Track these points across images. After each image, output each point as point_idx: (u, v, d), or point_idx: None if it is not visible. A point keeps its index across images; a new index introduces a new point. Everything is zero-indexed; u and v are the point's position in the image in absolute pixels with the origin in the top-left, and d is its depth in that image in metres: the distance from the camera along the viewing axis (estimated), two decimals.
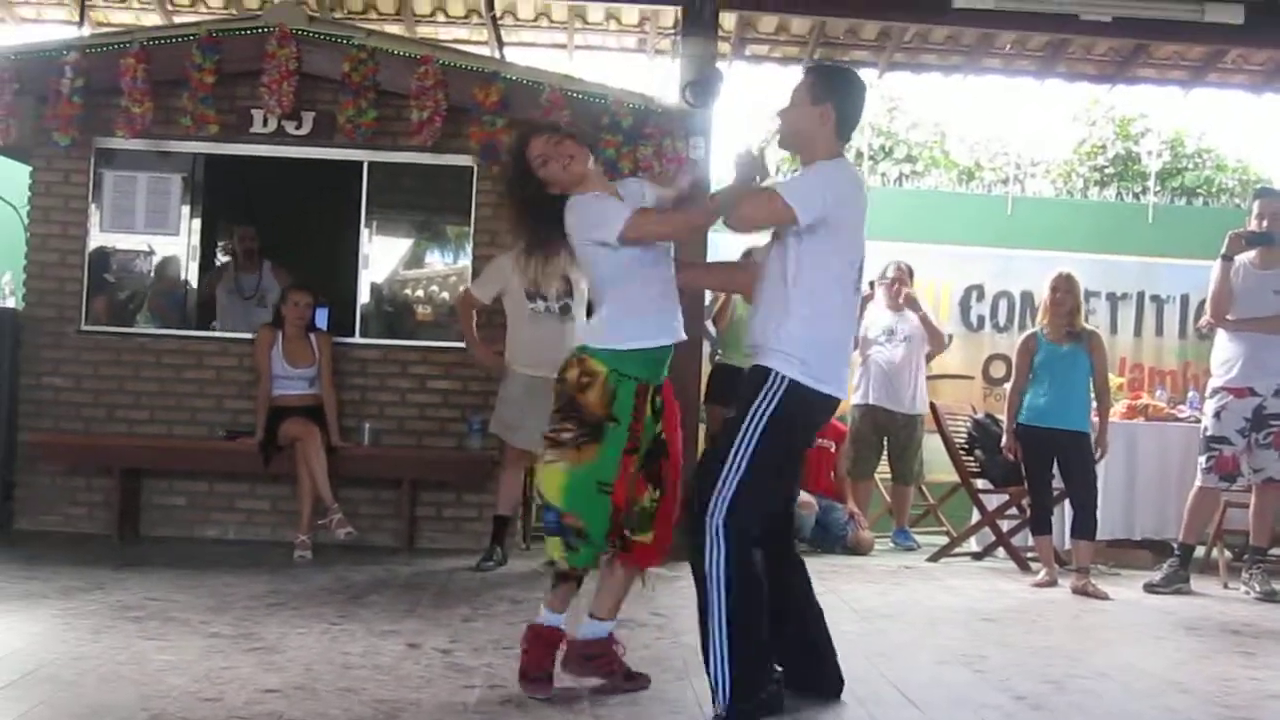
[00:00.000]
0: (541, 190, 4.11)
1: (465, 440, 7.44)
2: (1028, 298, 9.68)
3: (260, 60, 7.25)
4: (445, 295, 7.88)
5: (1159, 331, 10.14)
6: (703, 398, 8.20)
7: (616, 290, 4.03)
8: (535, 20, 9.44)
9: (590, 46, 9.80)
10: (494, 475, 7.15)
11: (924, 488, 9.20)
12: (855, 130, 4.20)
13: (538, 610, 4.12)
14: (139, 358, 7.58)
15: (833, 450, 8.65)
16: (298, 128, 7.55)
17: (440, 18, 9.41)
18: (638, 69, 10.28)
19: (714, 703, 3.81)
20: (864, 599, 6.23)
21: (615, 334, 4.00)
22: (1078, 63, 9.53)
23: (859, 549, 8.19)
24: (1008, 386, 7.78)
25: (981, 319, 9.94)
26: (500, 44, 9.16)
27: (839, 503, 8.47)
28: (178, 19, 9.04)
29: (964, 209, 10.52)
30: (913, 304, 8.60)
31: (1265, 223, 7.01)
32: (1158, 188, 12.36)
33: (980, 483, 8.04)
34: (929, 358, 8.83)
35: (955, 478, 8.33)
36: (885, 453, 8.72)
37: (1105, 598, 6.64)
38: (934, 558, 8.00)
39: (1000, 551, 7.95)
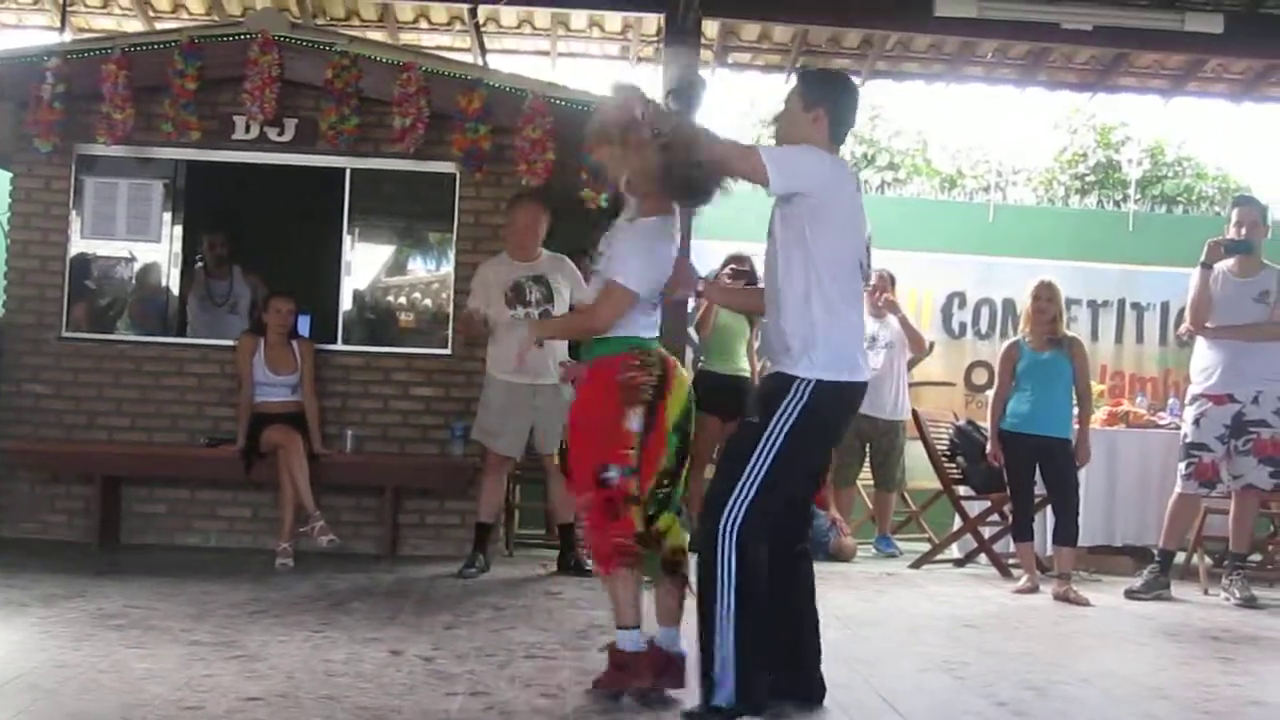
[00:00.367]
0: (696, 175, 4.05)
1: (447, 447, 7.44)
2: (1009, 305, 9.72)
3: (242, 66, 7.24)
4: (428, 302, 7.88)
5: (1139, 339, 10.20)
6: None
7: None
8: (518, 27, 9.45)
9: (573, 54, 9.82)
10: (476, 482, 7.15)
11: (906, 494, 9.22)
12: (848, 133, 4.18)
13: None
14: (119, 365, 7.56)
15: None
16: (280, 134, 7.55)
17: (423, 24, 9.41)
18: (621, 76, 10.27)
19: (707, 695, 3.78)
20: (846, 606, 6.24)
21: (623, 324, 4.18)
22: (1059, 71, 9.59)
23: (841, 556, 8.20)
24: (989, 393, 7.80)
25: (963, 326, 9.98)
26: (483, 51, 9.17)
27: (821, 509, 8.46)
28: (159, 25, 9.03)
29: (946, 216, 10.55)
30: (894, 309, 8.63)
31: (1244, 231, 7.05)
32: (1138, 196, 12.41)
33: (962, 489, 8.05)
34: (911, 363, 8.86)
35: (937, 484, 8.35)
36: (867, 459, 8.74)
37: (1086, 604, 6.67)
38: (916, 564, 8.01)
39: (982, 558, 7.97)
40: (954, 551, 8.32)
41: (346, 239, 7.70)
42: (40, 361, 7.53)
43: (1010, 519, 7.49)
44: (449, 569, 6.82)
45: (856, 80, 9.61)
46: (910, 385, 8.80)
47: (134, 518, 7.48)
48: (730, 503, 3.83)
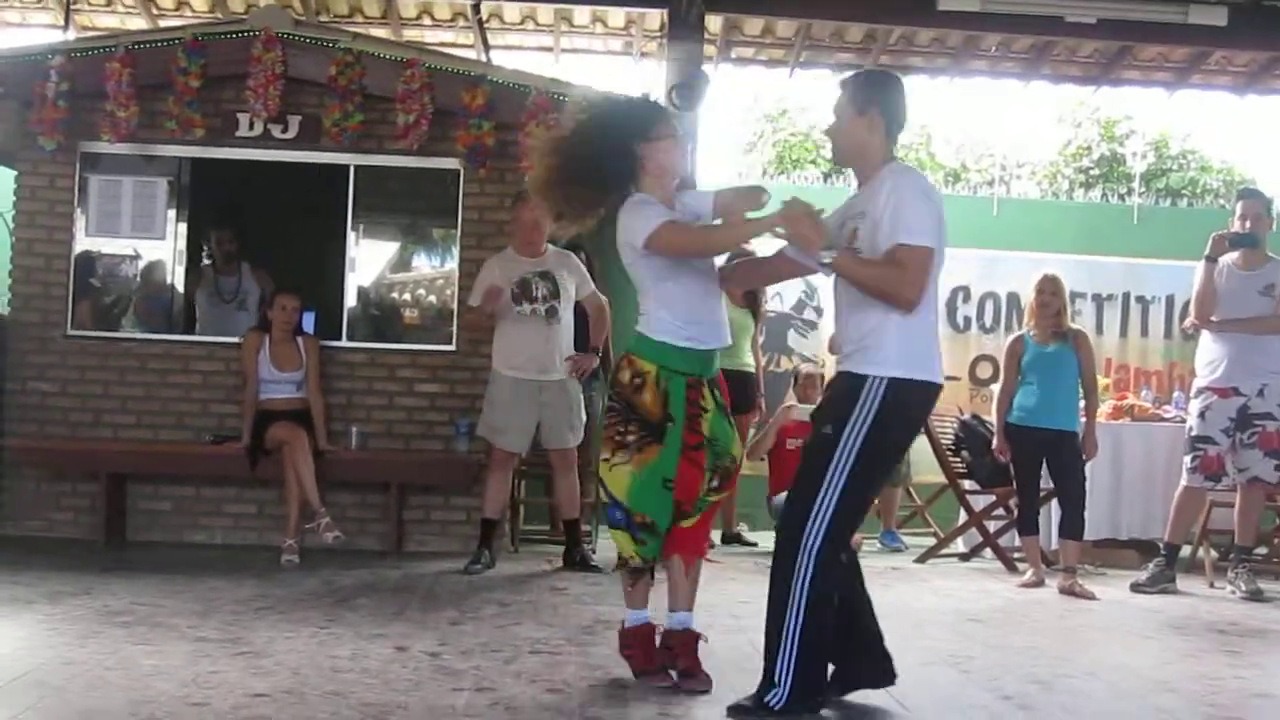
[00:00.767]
0: (630, 165, 4.16)
1: (452, 443, 7.44)
2: (1014, 299, 9.71)
3: (246, 64, 7.25)
4: (432, 299, 7.88)
5: (1144, 332, 10.19)
6: None
7: (658, 288, 4.14)
8: (521, 23, 9.45)
9: (576, 50, 9.82)
10: (481, 478, 7.15)
11: (911, 489, 9.22)
12: (904, 130, 4.15)
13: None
14: (125, 362, 7.57)
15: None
16: (284, 131, 7.55)
17: (426, 21, 9.42)
18: (624, 72, 10.30)
19: (764, 692, 3.82)
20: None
21: (659, 329, 4.13)
22: (1063, 65, 9.58)
23: None
24: (994, 388, 7.80)
25: (968, 320, 9.97)
26: (486, 47, 9.18)
27: None
28: (163, 23, 9.05)
29: (950, 210, 10.45)
30: None
31: (1248, 224, 7.04)
32: (1142, 189, 12.41)
33: (967, 483, 8.05)
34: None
35: (942, 479, 8.35)
36: None
37: (1092, 598, 6.66)
38: (921, 559, 8.01)
39: (987, 552, 7.97)
40: (959, 546, 8.32)
41: (351, 235, 7.71)
42: (46, 359, 7.54)
43: (1015, 513, 7.49)
44: (454, 565, 6.83)
45: None
46: None
47: (140, 515, 7.50)
48: (810, 520, 3.82)
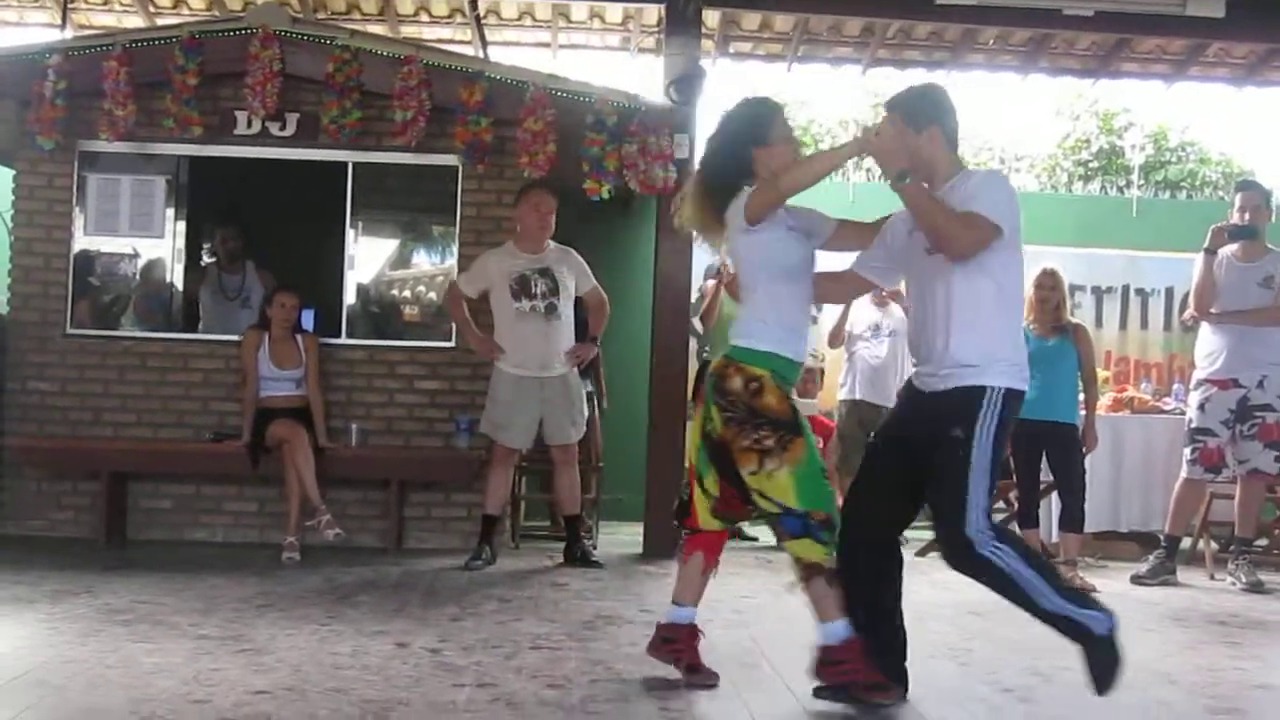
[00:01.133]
0: (742, 168, 4.16)
1: (453, 440, 7.45)
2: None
3: (243, 61, 7.25)
4: (432, 295, 7.89)
5: (1144, 325, 10.19)
6: (690, 396, 8.20)
7: (770, 289, 4.10)
8: (519, 19, 9.43)
9: (574, 45, 9.80)
10: (482, 475, 7.15)
11: None
12: (959, 132, 4.15)
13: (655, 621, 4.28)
14: (124, 361, 7.57)
15: (820, 446, 8.64)
16: (282, 129, 7.55)
17: (424, 17, 9.40)
18: (622, 67, 10.29)
19: (1091, 634, 3.84)
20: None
21: (765, 337, 4.07)
22: (1061, 57, 9.56)
23: None
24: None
25: None
26: (484, 43, 9.16)
27: None
28: (160, 21, 9.02)
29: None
30: (898, 299, 8.62)
31: (1247, 216, 7.05)
32: (1141, 181, 12.40)
33: None
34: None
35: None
36: None
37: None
38: (921, 552, 8.00)
39: None
40: None
41: (349, 233, 7.71)
42: (45, 358, 7.54)
43: (1016, 506, 7.49)
44: (455, 561, 6.84)
45: (857, 69, 9.63)
46: None
47: (140, 513, 7.50)
48: (968, 520, 3.85)
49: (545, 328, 6.88)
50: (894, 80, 12.33)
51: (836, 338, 8.79)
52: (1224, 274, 7.04)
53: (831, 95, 14.67)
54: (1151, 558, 7.11)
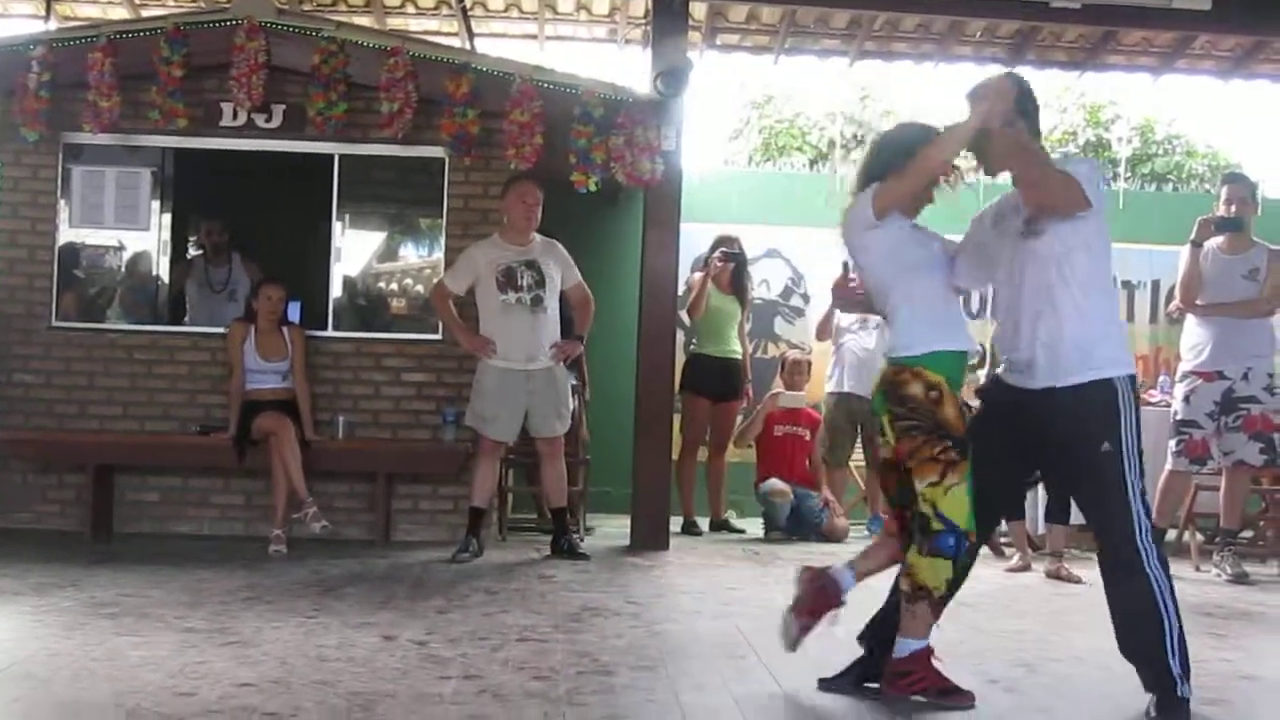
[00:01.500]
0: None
1: (440, 433, 7.44)
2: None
3: (229, 53, 7.22)
4: (419, 288, 7.88)
5: (1130, 317, 10.19)
6: (677, 388, 8.23)
7: (905, 293, 4.00)
8: (505, 11, 9.42)
9: (561, 37, 9.79)
10: (469, 467, 7.15)
11: None
12: (1040, 121, 4.16)
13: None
14: (110, 353, 7.55)
15: (808, 438, 8.68)
16: (267, 121, 7.52)
17: (410, 9, 9.38)
18: (609, 59, 10.26)
19: (1170, 691, 3.80)
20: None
21: (929, 338, 3.96)
22: (1048, 50, 9.56)
23: (834, 536, 8.23)
24: (982, 373, 7.79)
25: None
26: (470, 35, 9.14)
27: (814, 491, 8.50)
28: (145, 12, 8.99)
29: (937, 197, 10.54)
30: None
31: (1233, 208, 7.07)
32: (1128, 174, 12.42)
33: None
34: None
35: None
36: (859, 440, 8.76)
37: (1079, 581, 6.69)
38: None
39: None
40: None
41: (336, 225, 7.69)
42: (30, 351, 7.51)
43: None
44: (442, 554, 6.84)
45: (844, 61, 9.63)
46: None
47: (127, 506, 7.48)
48: (1137, 532, 3.84)
49: (531, 320, 6.88)
50: (882, 72, 12.40)
51: (824, 330, 8.80)
52: (1209, 266, 7.05)
53: (819, 87, 14.65)
54: None
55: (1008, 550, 7.47)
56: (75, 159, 7.60)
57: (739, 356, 8.68)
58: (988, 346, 6.16)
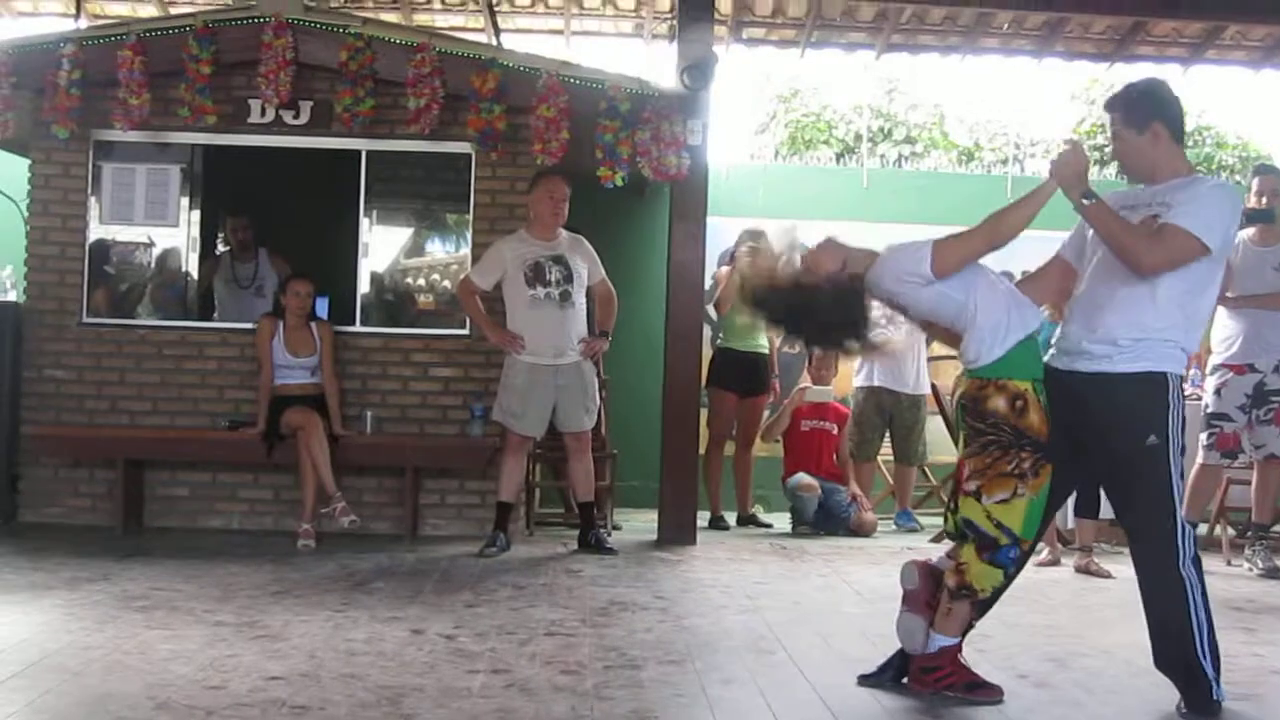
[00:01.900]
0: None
1: (467, 427, 7.46)
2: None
3: (257, 50, 7.24)
4: (446, 283, 7.89)
5: None
6: (705, 382, 8.22)
7: (974, 304, 3.92)
8: (531, 6, 9.42)
9: (587, 32, 9.79)
10: (496, 462, 7.16)
11: (927, 469, 9.21)
12: (1186, 127, 4.10)
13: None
14: (140, 349, 7.59)
15: (835, 433, 8.66)
16: (295, 117, 7.56)
17: (436, 5, 9.39)
18: (635, 54, 10.27)
19: (1204, 694, 3.81)
20: (866, 580, 6.25)
21: (1001, 338, 3.88)
22: (1075, 41, 9.51)
23: (862, 531, 8.21)
24: None
25: None
26: (497, 30, 9.15)
27: (842, 485, 8.48)
28: (173, 10, 9.03)
29: (964, 190, 10.48)
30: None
31: (1264, 199, 7.02)
32: None
33: None
34: (930, 338, 8.83)
35: (958, 459, 8.31)
36: (888, 434, 8.73)
37: (1108, 576, 6.66)
38: (937, 539, 7.99)
39: None
40: None
41: (363, 221, 7.72)
42: (61, 347, 7.57)
43: None
44: (469, 548, 6.86)
45: (871, 54, 9.60)
46: (930, 359, 8.78)
47: (157, 501, 7.53)
48: (1178, 532, 3.83)
49: (559, 315, 6.88)
50: (909, 65, 12.33)
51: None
52: (1240, 258, 6.99)
53: (845, 81, 14.60)
54: None
55: (1038, 545, 7.43)
56: (105, 156, 7.65)
57: (766, 351, 8.66)
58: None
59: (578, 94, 7.27)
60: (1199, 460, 7.04)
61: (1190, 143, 14.22)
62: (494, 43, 8.85)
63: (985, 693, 3.94)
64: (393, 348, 7.65)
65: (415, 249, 8.12)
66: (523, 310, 6.89)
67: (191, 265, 7.83)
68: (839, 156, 12.98)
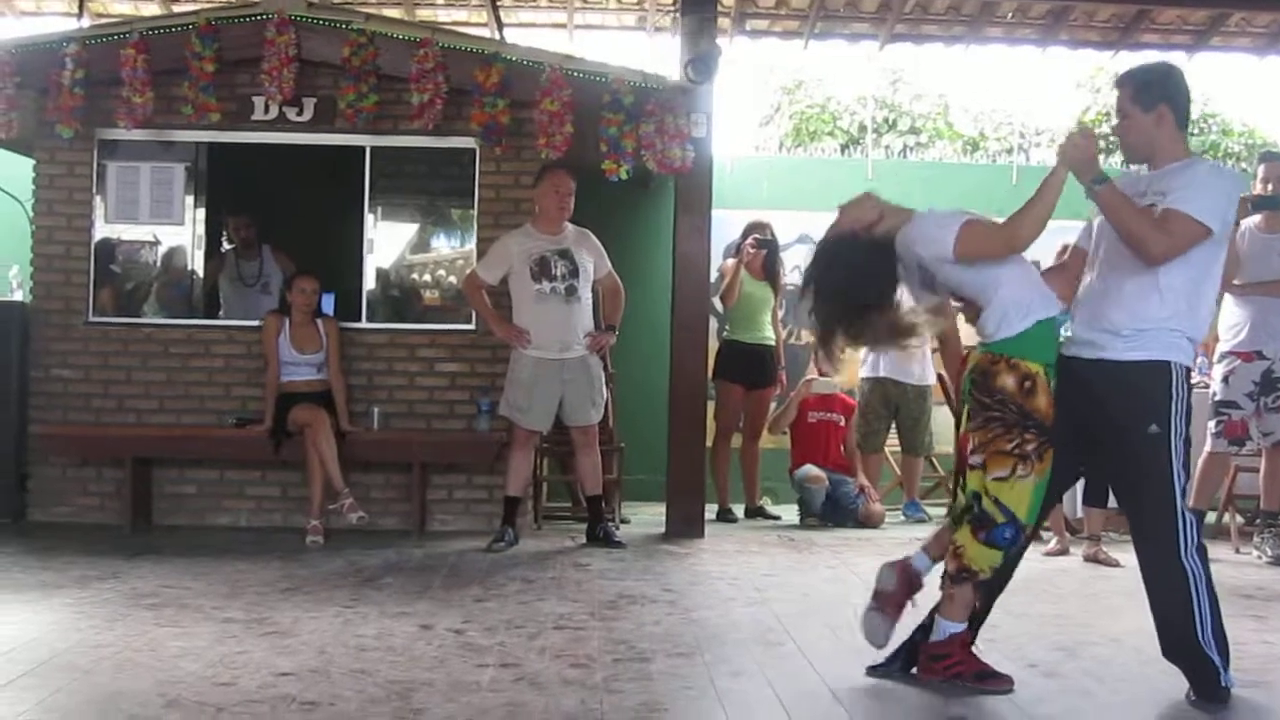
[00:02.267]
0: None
1: (474, 422, 7.46)
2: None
3: (260, 47, 7.24)
4: (452, 279, 7.89)
5: None
6: (711, 375, 8.22)
7: (1002, 272, 3.92)
8: (534, 0, 9.42)
9: (590, 25, 9.77)
10: (503, 457, 7.16)
11: (934, 459, 9.20)
12: (1190, 114, 4.11)
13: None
14: (147, 348, 7.60)
15: (842, 424, 8.65)
16: (299, 114, 7.56)
17: (439, 0, 9.39)
18: (638, 47, 10.25)
19: (1213, 682, 3.82)
20: (875, 571, 6.23)
21: (1026, 313, 3.89)
22: (1080, 30, 9.49)
23: (870, 522, 8.21)
24: None
25: None
26: (499, 25, 9.14)
27: (849, 476, 8.48)
28: (176, 8, 9.03)
29: (969, 179, 10.46)
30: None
31: (1270, 187, 7.00)
32: None
33: None
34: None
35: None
36: (895, 425, 8.73)
37: (1116, 565, 6.65)
38: None
39: None
40: None
41: (368, 217, 7.72)
42: (68, 346, 7.58)
43: None
44: (477, 543, 6.86)
45: (874, 45, 9.59)
46: (934, 349, 8.77)
47: (165, 499, 7.55)
48: (1180, 522, 3.81)
49: (565, 309, 6.88)
50: (913, 55, 12.31)
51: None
52: (1247, 245, 6.98)
53: (849, 72, 14.58)
54: None
55: (1045, 534, 7.42)
56: (110, 155, 7.66)
57: (772, 343, 8.66)
58: None
59: (581, 88, 7.26)
60: (1207, 448, 7.03)
61: (1196, 130, 14.20)
62: (497, 37, 8.84)
63: (995, 682, 3.94)
64: (399, 343, 7.66)
65: (420, 244, 8.12)
66: (529, 304, 6.89)
67: (197, 263, 7.83)
68: (844, 148, 12.98)
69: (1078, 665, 4.34)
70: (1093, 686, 4.08)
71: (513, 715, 3.53)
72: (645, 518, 8.15)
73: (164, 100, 7.33)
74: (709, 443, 8.11)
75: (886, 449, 8.90)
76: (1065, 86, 15.21)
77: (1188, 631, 3.81)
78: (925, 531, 7.91)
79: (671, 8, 9.08)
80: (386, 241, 7.92)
